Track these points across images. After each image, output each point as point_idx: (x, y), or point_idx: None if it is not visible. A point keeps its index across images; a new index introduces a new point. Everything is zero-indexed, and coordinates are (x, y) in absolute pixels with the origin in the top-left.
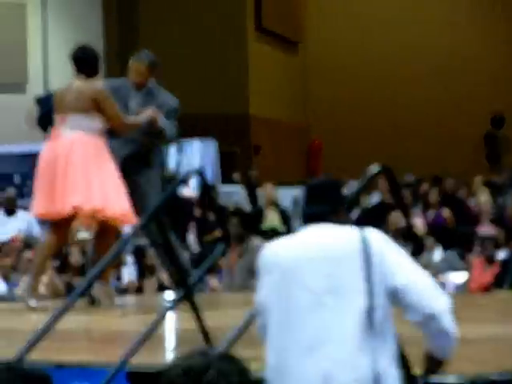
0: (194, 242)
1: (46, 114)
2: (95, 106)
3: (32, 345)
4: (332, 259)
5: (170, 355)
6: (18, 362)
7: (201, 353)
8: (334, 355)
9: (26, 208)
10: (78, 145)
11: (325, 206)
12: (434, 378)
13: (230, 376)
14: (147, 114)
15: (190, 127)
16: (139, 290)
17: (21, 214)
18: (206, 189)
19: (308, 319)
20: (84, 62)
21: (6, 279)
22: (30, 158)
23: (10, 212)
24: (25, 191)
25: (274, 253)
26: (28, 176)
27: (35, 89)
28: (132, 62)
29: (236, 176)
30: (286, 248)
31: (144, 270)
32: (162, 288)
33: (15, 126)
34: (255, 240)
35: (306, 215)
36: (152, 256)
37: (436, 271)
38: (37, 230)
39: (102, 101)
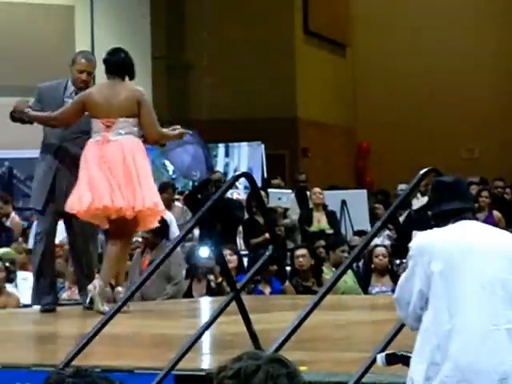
0: (243, 244)
1: None
2: (138, 109)
3: (81, 349)
4: (506, 256)
5: (218, 358)
6: (85, 368)
7: (251, 355)
8: (504, 344)
9: None
10: (139, 150)
11: (468, 202)
12: None
13: (278, 379)
14: (180, 131)
15: (238, 130)
16: (188, 293)
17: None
18: (254, 191)
19: (477, 307)
20: (123, 64)
21: None
22: None
23: None
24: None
25: (433, 243)
26: None
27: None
28: (81, 60)
29: (279, 180)
30: (448, 239)
31: (193, 274)
32: (210, 291)
33: None
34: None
35: (448, 211)
36: (205, 262)
37: None
38: None
39: (142, 105)
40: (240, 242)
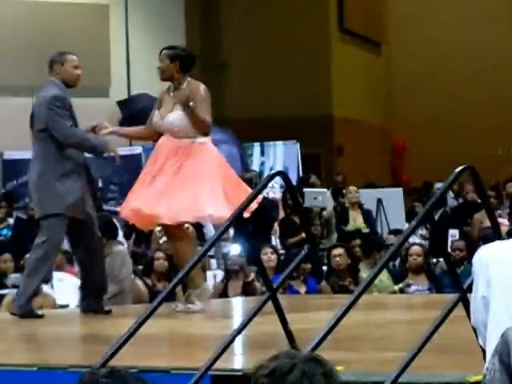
0: (279, 244)
1: (129, 118)
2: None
3: (117, 350)
4: None
5: (254, 358)
6: (119, 369)
7: (287, 354)
8: None
9: (109, 212)
10: None
11: None
12: None
13: (314, 377)
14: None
15: (273, 129)
16: (223, 293)
17: None
18: (290, 190)
19: None
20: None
21: None
22: (112, 162)
23: None
24: (107, 196)
25: (492, 251)
26: (110, 180)
27: (118, 93)
28: (72, 57)
29: (314, 178)
30: (508, 248)
31: (229, 274)
32: (246, 291)
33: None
34: (116, 245)
35: None
36: (236, 259)
37: None
38: (121, 234)
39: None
40: (276, 241)
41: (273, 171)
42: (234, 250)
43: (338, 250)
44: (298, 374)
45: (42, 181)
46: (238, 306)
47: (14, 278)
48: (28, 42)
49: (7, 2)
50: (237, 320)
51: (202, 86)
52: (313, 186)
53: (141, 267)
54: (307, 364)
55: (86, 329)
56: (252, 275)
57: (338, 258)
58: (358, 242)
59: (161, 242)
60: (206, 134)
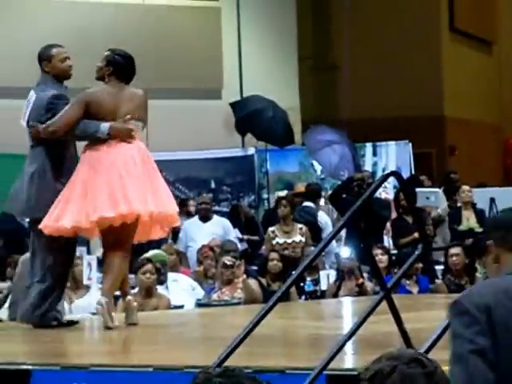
0: (391, 244)
1: (242, 119)
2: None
3: (232, 350)
4: None
5: (369, 358)
6: (232, 368)
7: (389, 356)
8: None
9: (221, 213)
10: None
11: None
12: None
13: (414, 379)
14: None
15: (385, 130)
16: (336, 294)
17: (216, 220)
18: (404, 190)
19: None
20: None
21: (201, 285)
22: (225, 163)
23: (206, 218)
24: (219, 197)
25: None
26: (222, 181)
27: (230, 94)
28: (60, 49)
29: (426, 178)
30: None
31: (341, 274)
32: (357, 292)
33: (211, 132)
34: None
35: None
36: (347, 261)
37: None
38: (233, 235)
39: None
40: (389, 241)
41: (386, 171)
42: (344, 252)
43: (456, 250)
44: (398, 376)
45: None
46: (350, 306)
47: None
48: (141, 47)
49: (121, 7)
50: (349, 320)
51: None
52: (423, 185)
53: (255, 267)
54: (408, 365)
55: (200, 329)
56: (363, 276)
57: (454, 258)
58: (470, 241)
59: (274, 242)
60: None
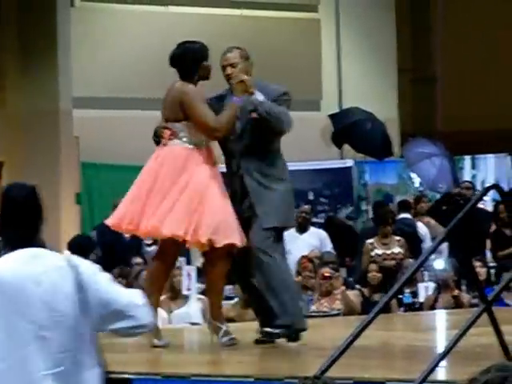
0: (490, 256)
1: (341, 131)
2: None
3: (333, 361)
4: None
5: (469, 370)
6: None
7: (499, 367)
8: None
9: (319, 225)
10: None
11: None
12: None
13: None
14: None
15: (483, 142)
16: (432, 306)
17: (313, 231)
18: (504, 203)
19: None
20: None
21: None
22: (323, 175)
23: (303, 229)
24: (317, 208)
25: None
26: (320, 193)
27: (329, 106)
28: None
29: None
30: None
31: (439, 286)
32: (454, 304)
33: (310, 143)
34: None
35: None
36: (441, 273)
37: None
38: (330, 246)
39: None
40: (488, 254)
41: (485, 185)
42: (438, 264)
43: None
44: None
45: None
46: (446, 318)
47: None
48: None
49: (219, 17)
50: (446, 332)
51: None
52: None
53: (351, 279)
54: None
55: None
56: (461, 288)
57: None
58: None
59: (372, 254)
60: None
